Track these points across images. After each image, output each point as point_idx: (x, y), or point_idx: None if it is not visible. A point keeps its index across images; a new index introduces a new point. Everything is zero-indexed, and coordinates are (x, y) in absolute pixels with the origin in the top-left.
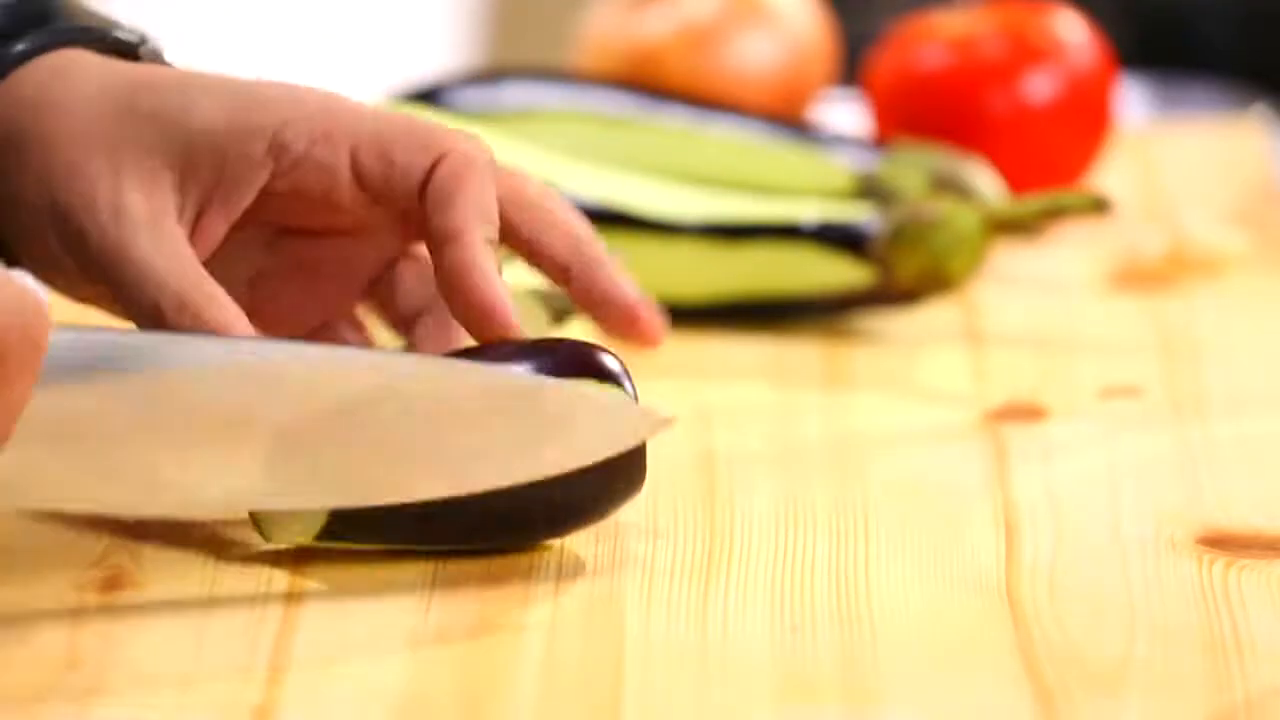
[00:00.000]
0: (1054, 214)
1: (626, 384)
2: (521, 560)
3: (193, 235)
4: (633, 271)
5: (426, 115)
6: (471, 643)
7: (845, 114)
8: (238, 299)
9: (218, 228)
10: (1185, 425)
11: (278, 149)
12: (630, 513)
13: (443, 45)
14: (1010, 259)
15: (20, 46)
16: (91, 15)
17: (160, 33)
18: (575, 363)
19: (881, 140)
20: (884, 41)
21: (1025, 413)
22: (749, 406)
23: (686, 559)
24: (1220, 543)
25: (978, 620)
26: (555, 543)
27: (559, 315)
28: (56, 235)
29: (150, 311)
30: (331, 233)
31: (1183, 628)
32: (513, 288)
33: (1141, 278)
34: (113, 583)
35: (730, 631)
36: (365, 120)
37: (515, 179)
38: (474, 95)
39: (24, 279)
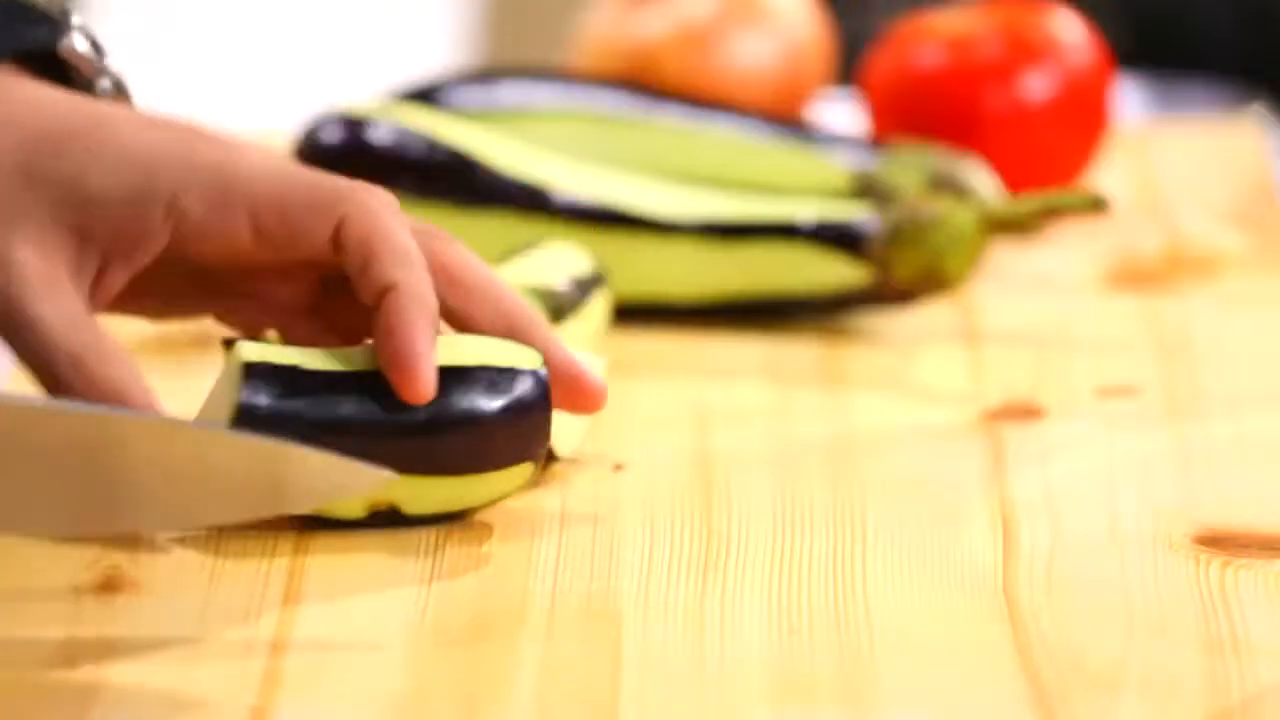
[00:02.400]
0: (1051, 213)
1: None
2: (519, 560)
3: (94, 287)
4: (630, 272)
5: (321, 173)
6: (469, 643)
7: (842, 113)
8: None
9: (119, 280)
10: (1182, 424)
11: (176, 216)
12: (628, 512)
13: (441, 45)
14: (1007, 258)
15: None
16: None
17: (161, 33)
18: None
19: (879, 140)
20: (881, 41)
21: (1022, 412)
22: (746, 406)
23: (684, 559)
24: (1217, 542)
25: (975, 620)
26: (553, 543)
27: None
28: None
29: (46, 370)
30: (256, 269)
31: (1180, 627)
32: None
33: (1139, 277)
34: (110, 584)
35: (727, 631)
36: (261, 182)
37: (440, 246)
38: (471, 95)
39: None
